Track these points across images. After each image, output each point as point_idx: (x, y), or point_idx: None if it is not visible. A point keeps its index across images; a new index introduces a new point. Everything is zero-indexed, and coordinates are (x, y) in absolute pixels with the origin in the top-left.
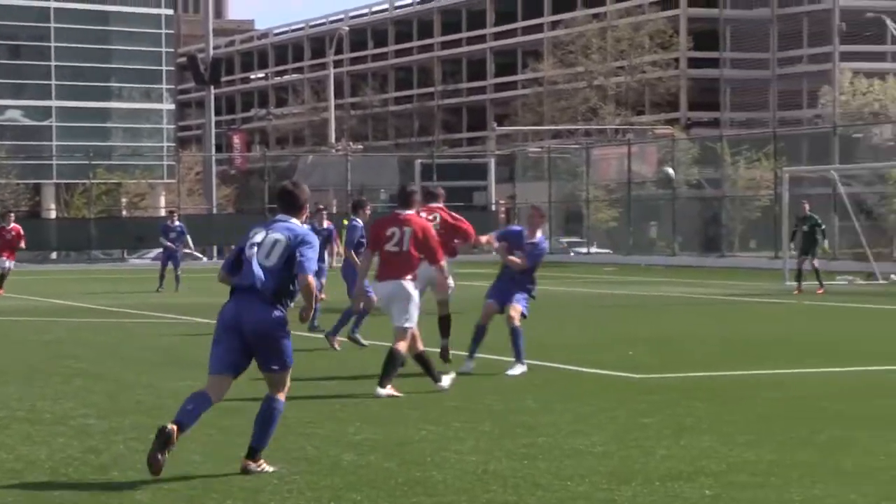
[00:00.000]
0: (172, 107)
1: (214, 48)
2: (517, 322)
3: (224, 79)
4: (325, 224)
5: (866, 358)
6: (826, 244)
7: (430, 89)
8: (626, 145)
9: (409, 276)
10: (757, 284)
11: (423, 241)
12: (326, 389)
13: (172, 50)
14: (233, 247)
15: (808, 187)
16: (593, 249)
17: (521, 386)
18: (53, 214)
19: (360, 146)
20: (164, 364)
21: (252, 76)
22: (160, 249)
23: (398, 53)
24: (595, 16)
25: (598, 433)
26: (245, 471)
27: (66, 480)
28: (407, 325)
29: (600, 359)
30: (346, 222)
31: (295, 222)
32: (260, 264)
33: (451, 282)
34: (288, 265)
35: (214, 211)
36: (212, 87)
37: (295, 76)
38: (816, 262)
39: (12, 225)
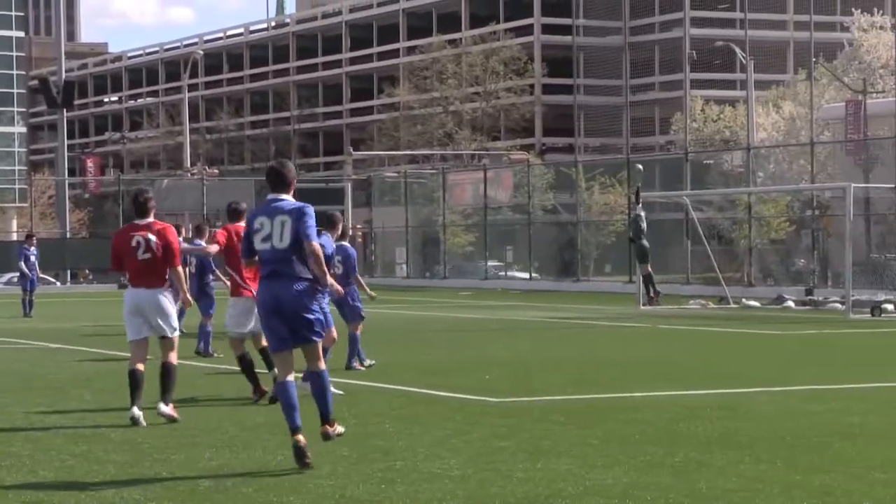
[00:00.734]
0: (24, 130)
1: (67, 71)
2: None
3: (77, 102)
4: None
5: (718, 380)
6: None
7: (286, 114)
8: (482, 170)
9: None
10: (612, 308)
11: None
12: (182, 414)
13: (24, 72)
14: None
15: (660, 212)
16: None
17: (378, 410)
18: None
19: (216, 170)
20: (17, 390)
21: (106, 99)
22: (14, 274)
23: (253, 78)
24: (450, 41)
25: (455, 457)
26: (325, 436)
27: None
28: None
29: (457, 383)
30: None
31: (288, 198)
32: (275, 248)
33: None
34: (298, 239)
35: (68, 235)
36: (64, 111)
37: (149, 100)
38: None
39: None
